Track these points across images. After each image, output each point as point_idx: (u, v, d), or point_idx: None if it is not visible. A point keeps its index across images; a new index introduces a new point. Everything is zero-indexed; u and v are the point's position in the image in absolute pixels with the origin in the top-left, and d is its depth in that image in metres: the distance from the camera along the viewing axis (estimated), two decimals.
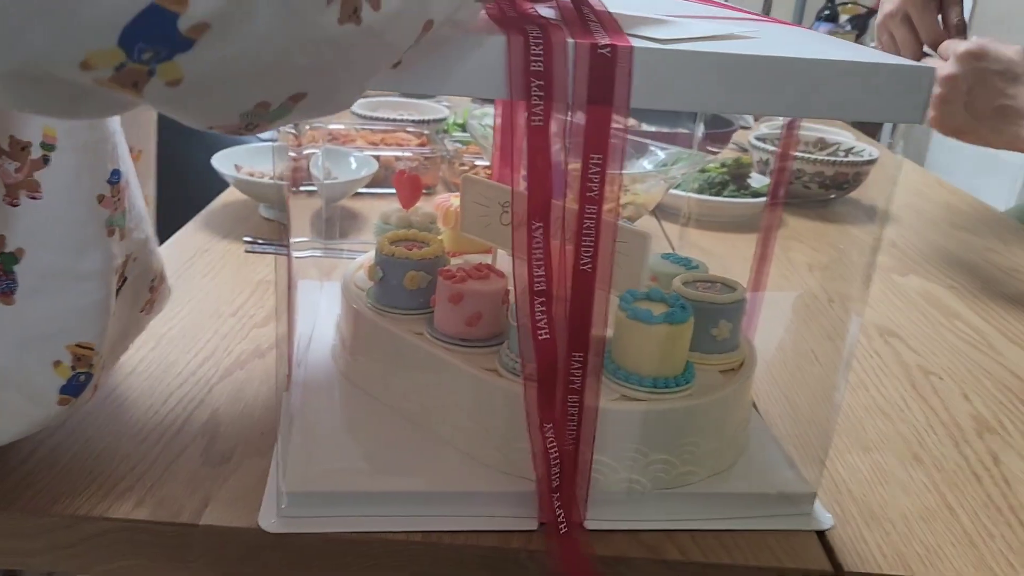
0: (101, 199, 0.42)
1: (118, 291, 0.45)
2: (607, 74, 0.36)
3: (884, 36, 0.91)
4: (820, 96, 0.37)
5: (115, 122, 0.44)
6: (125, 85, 0.26)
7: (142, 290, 0.50)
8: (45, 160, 0.41)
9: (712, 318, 0.49)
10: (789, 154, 0.55)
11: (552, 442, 0.40)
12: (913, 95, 0.38)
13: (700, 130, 0.98)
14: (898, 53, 0.89)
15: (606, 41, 0.36)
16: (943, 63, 0.83)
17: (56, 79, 0.25)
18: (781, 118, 0.73)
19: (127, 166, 0.45)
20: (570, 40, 0.36)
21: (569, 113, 0.37)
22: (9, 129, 0.39)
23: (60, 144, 0.41)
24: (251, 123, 0.30)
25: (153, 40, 0.24)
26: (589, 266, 0.39)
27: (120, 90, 0.26)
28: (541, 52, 0.35)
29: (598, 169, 0.37)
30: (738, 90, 0.37)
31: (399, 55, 0.32)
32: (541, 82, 0.35)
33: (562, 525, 0.42)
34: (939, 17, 0.88)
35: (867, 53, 0.40)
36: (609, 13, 0.41)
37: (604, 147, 0.37)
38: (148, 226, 0.50)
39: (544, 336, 0.39)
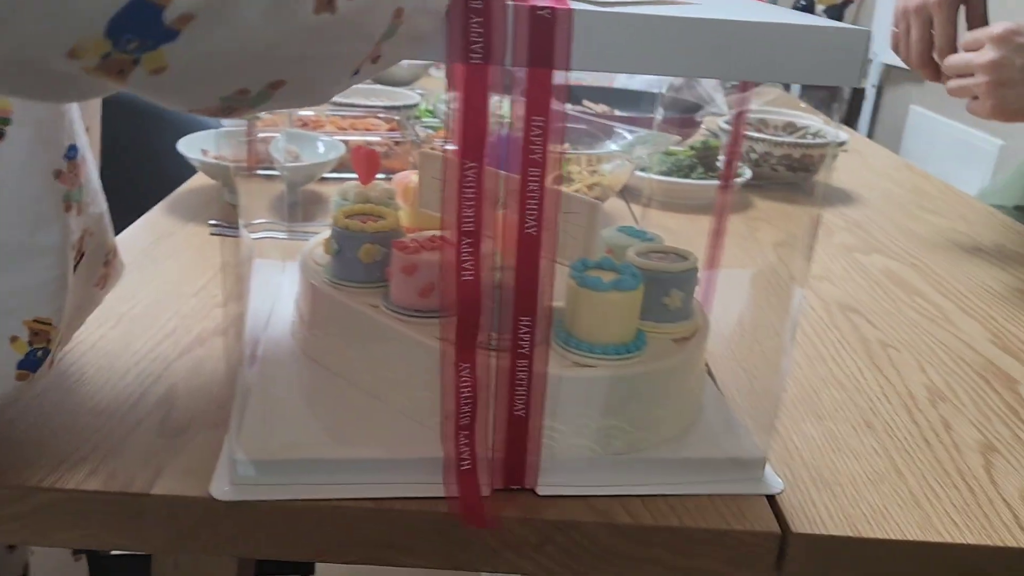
0: (58, 174, 0.43)
1: (76, 266, 0.45)
2: (547, 36, 0.36)
3: (903, 24, 0.91)
4: (757, 59, 0.38)
5: None
6: (111, 73, 0.26)
7: (97, 265, 0.50)
8: (1, 134, 0.40)
9: (664, 287, 0.49)
10: (740, 133, 0.55)
11: (466, 382, 0.40)
12: (849, 57, 0.38)
13: (660, 113, 0.98)
14: (911, 44, 0.89)
15: (546, 3, 0.36)
16: (976, 54, 0.83)
17: (42, 66, 0.26)
18: (742, 105, 0.73)
19: (83, 141, 0.45)
20: (510, 2, 0.36)
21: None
22: None
23: (16, 118, 0.41)
24: (231, 107, 0.31)
25: (139, 31, 0.25)
26: (534, 228, 0.39)
27: (105, 77, 0.27)
28: (481, 15, 0.36)
29: (540, 131, 0.37)
30: (677, 53, 0.37)
31: (373, 45, 0.33)
32: (480, 42, 0.36)
33: (465, 462, 0.42)
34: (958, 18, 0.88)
35: (804, 17, 0.41)
36: None
37: (546, 109, 0.37)
38: (102, 200, 0.49)
39: (468, 277, 0.39)
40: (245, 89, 0.30)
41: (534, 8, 0.36)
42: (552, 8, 0.36)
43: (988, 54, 0.82)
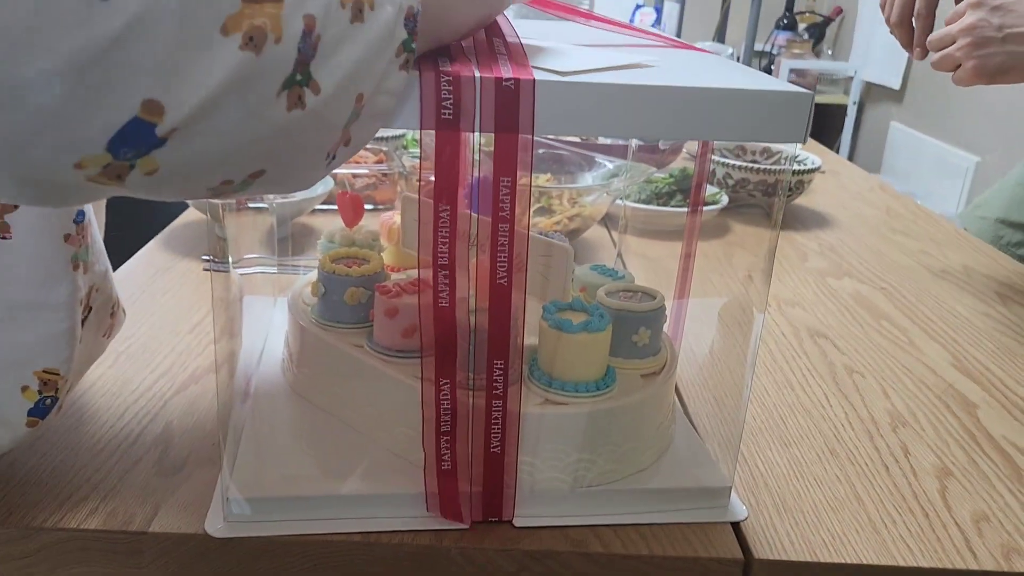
0: (67, 237, 0.46)
1: (84, 320, 0.49)
2: (512, 105, 0.39)
3: None
4: (709, 121, 0.41)
5: None
6: (110, 178, 0.30)
7: (104, 317, 0.53)
8: (16, 204, 0.44)
9: (632, 325, 0.52)
10: (705, 164, 0.58)
11: (446, 395, 0.44)
12: (795, 117, 0.42)
13: (634, 143, 1.01)
14: (894, 3, 0.93)
15: (510, 75, 0.39)
16: (955, 24, 0.86)
17: (49, 178, 0.29)
18: None
19: (89, 205, 0.48)
20: (477, 74, 0.39)
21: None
22: None
23: None
24: (218, 194, 0.34)
25: (135, 144, 0.29)
26: (505, 280, 0.42)
27: (105, 183, 0.30)
28: (450, 86, 0.39)
29: (508, 191, 0.40)
30: (633, 117, 0.40)
31: (341, 131, 0.36)
32: (449, 111, 0.39)
33: (445, 462, 0.46)
34: None
35: (756, 79, 0.44)
36: (520, 44, 0.44)
37: (512, 171, 0.40)
38: (105, 258, 0.53)
39: (444, 304, 0.42)
40: (228, 180, 0.33)
41: (499, 80, 0.39)
42: (516, 79, 0.39)
43: (966, 19, 0.85)
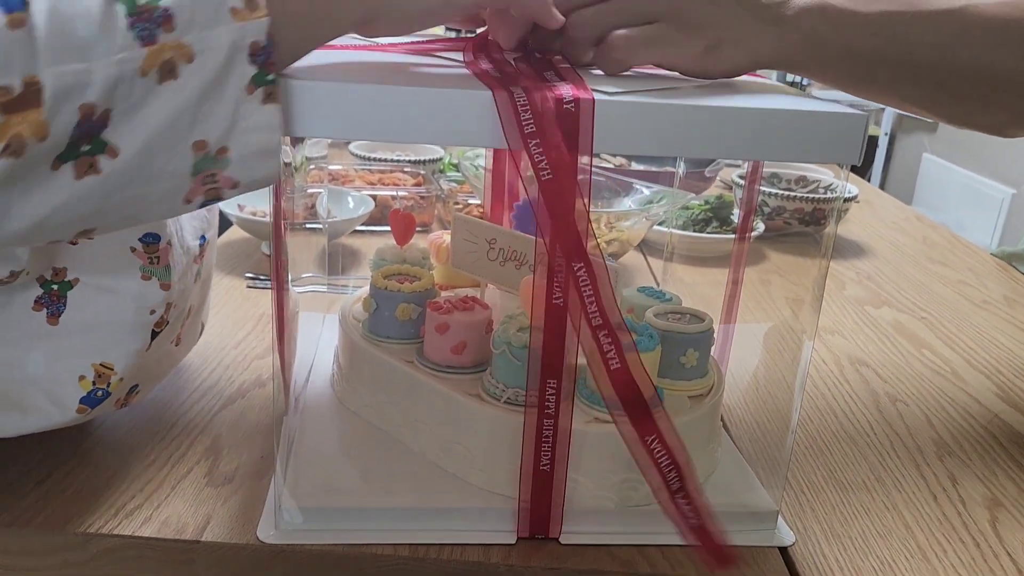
0: (133, 250, 0.49)
1: (158, 333, 0.51)
2: (572, 124, 0.40)
3: None
4: (764, 141, 0.41)
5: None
6: None
7: (175, 327, 0.55)
8: None
9: (681, 347, 0.52)
10: (755, 190, 0.59)
11: (662, 452, 0.43)
12: (850, 138, 0.42)
13: (682, 168, 1.02)
14: None
15: (571, 95, 0.40)
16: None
17: None
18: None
19: (169, 231, 0.51)
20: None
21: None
22: None
23: None
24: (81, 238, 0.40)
25: None
26: (560, 300, 0.43)
27: None
28: (530, 110, 0.39)
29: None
30: (688, 136, 0.41)
31: (187, 178, 0.38)
32: (538, 140, 0.39)
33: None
34: None
35: (806, 101, 0.44)
36: (571, 67, 0.46)
37: (571, 191, 0.41)
38: (190, 278, 0.55)
39: (616, 366, 0.42)
40: (56, 240, 0.39)
41: (560, 99, 0.40)
42: (576, 99, 0.40)
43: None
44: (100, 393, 0.49)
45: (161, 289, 0.50)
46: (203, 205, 0.40)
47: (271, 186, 0.42)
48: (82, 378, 0.49)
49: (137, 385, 0.53)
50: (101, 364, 0.49)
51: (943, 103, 0.55)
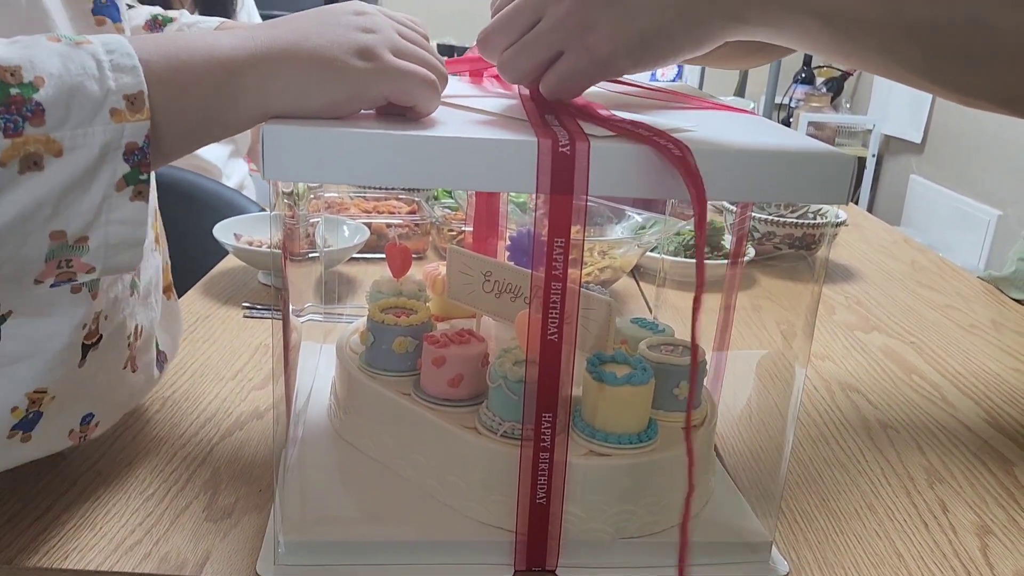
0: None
1: (93, 345, 0.49)
2: (567, 167, 0.41)
3: None
4: (753, 183, 0.43)
5: None
6: None
7: (120, 347, 0.53)
8: None
9: (674, 378, 0.53)
10: (746, 222, 0.60)
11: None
12: (836, 180, 0.43)
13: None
14: None
15: (566, 140, 0.41)
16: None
17: None
18: None
19: None
20: (535, 139, 0.41)
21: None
22: None
23: None
24: None
25: None
26: (555, 335, 0.44)
27: None
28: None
29: (561, 251, 0.42)
30: (677, 179, 0.42)
31: (40, 263, 0.39)
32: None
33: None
34: None
35: (796, 139, 0.46)
36: (569, 107, 0.47)
37: (565, 231, 0.42)
38: (124, 286, 0.52)
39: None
40: None
41: (555, 143, 0.41)
42: (572, 142, 0.41)
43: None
44: (32, 415, 0.47)
45: (91, 299, 0.48)
46: (55, 286, 0.41)
47: (272, 221, 0.42)
48: (15, 409, 0.46)
49: (93, 414, 0.51)
50: (35, 391, 0.46)
51: (946, 71, 0.51)
